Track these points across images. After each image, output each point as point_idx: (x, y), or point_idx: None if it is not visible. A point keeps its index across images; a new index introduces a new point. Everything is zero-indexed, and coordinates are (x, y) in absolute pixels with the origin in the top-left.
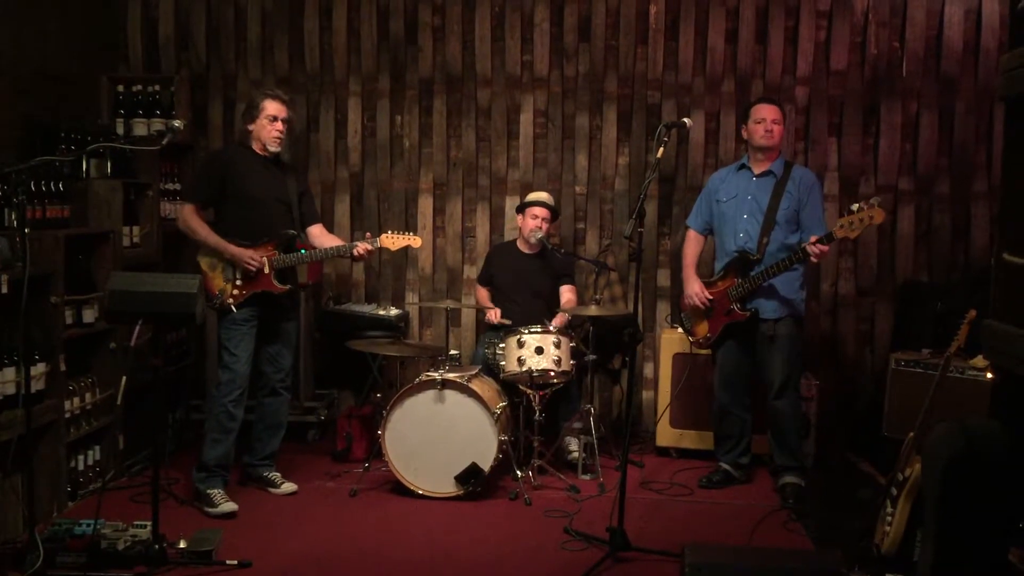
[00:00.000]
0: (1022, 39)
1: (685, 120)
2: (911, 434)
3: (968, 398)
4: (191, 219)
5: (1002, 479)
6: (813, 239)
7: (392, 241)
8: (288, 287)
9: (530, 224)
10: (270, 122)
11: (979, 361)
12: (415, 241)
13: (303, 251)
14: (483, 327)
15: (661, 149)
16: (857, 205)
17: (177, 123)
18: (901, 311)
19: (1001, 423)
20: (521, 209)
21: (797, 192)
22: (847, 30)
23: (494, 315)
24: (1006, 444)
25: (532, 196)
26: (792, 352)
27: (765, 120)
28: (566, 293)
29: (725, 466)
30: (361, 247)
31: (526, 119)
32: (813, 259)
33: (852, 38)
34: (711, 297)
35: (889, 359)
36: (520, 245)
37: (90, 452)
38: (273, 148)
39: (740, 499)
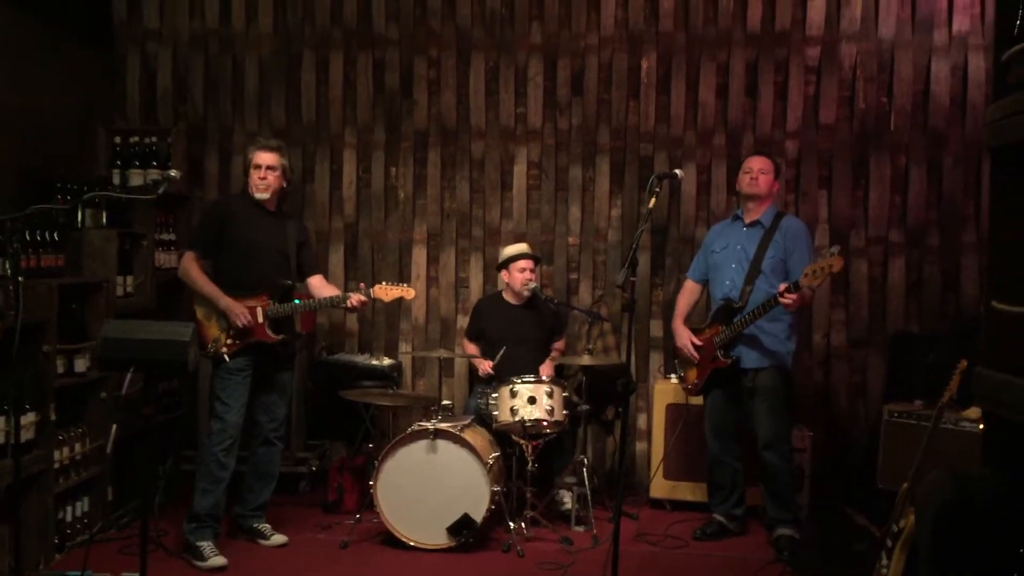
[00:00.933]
0: (1006, 91)
1: (676, 171)
2: (905, 485)
3: (962, 450)
4: (191, 267)
5: (994, 526)
6: (782, 287)
7: (385, 292)
8: (282, 337)
9: (519, 279)
10: (255, 170)
11: (972, 412)
12: (408, 293)
13: (297, 301)
14: (476, 378)
15: (653, 199)
16: (822, 252)
17: (173, 172)
18: (893, 362)
19: (992, 470)
20: (504, 265)
21: (784, 241)
22: (835, 85)
23: (487, 366)
24: (997, 490)
25: (512, 250)
26: (777, 403)
27: (752, 170)
28: (558, 347)
29: (719, 517)
30: (355, 298)
31: (520, 171)
32: (785, 307)
33: (840, 92)
34: (699, 344)
35: (882, 411)
36: (507, 297)
37: (79, 503)
38: (258, 195)
39: (735, 551)
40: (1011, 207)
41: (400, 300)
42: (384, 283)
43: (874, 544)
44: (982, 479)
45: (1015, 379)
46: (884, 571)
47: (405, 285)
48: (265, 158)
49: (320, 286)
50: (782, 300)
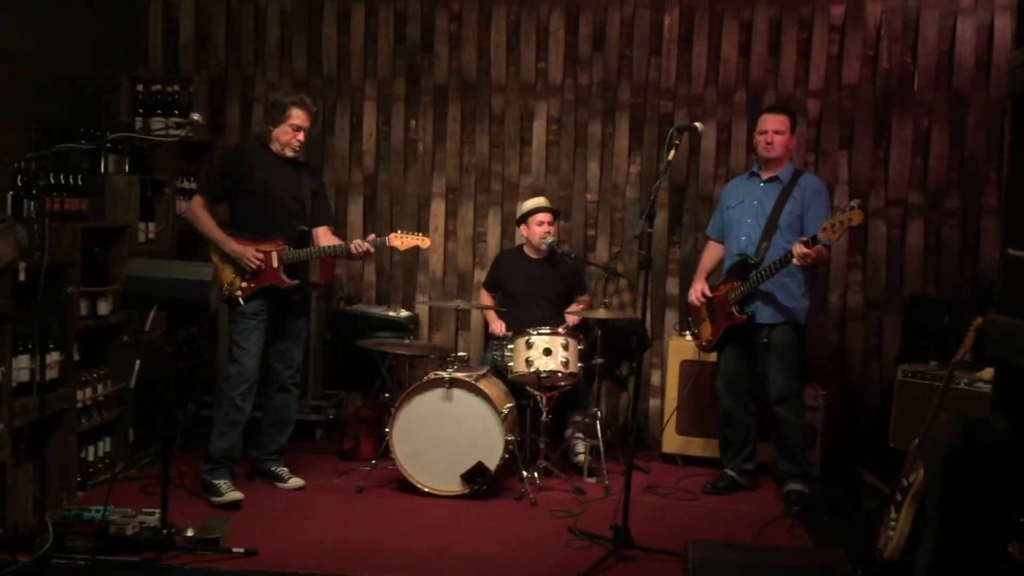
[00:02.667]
0: None
1: (697, 124)
2: (916, 441)
3: (975, 410)
4: (199, 211)
5: (1002, 471)
6: (803, 239)
7: (401, 240)
8: (296, 282)
9: (538, 232)
10: (293, 131)
11: (987, 373)
12: (423, 242)
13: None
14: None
15: (672, 152)
16: (842, 207)
17: (196, 116)
18: (909, 324)
19: (1002, 415)
20: (523, 220)
21: (802, 197)
22: (859, 44)
23: (499, 327)
24: (1006, 436)
25: (531, 204)
26: (790, 359)
27: (767, 132)
28: (583, 299)
29: (730, 472)
30: (355, 244)
31: (539, 126)
32: (795, 261)
33: (864, 52)
34: (712, 297)
35: (896, 371)
36: (528, 251)
37: (100, 443)
38: (290, 154)
39: (745, 505)
40: None
41: (417, 252)
42: (400, 232)
43: (884, 500)
44: (992, 423)
45: None
46: (893, 524)
47: (421, 234)
48: (305, 120)
49: (324, 235)
50: (795, 251)
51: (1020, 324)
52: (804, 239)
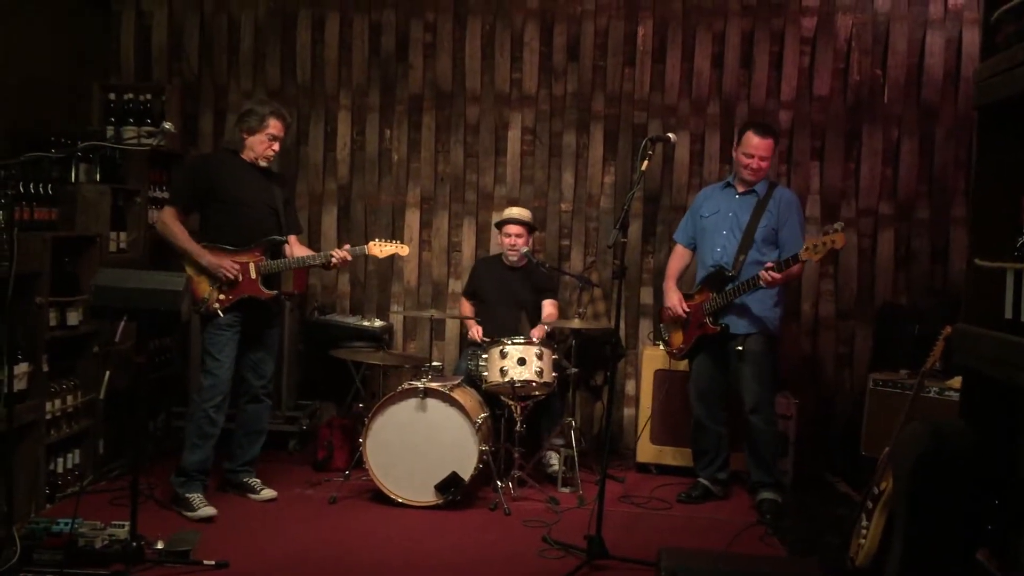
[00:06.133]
0: (994, 50)
1: (670, 135)
2: (887, 449)
3: (945, 418)
4: (172, 223)
5: (970, 478)
6: (768, 265)
7: (380, 248)
8: (275, 292)
9: (506, 243)
10: (269, 140)
11: (956, 382)
12: (403, 249)
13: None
14: (467, 340)
15: (645, 162)
16: (826, 229)
17: (168, 125)
18: (880, 333)
19: (969, 423)
20: (499, 226)
21: (777, 211)
22: (830, 56)
23: (476, 332)
24: (974, 443)
25: (506, 213)
26: (763, 369)
27: (755, 157)
28: (547, 307)
29: (704, 481)
30: (337, 256)
31: (514, 136)
32: (763, 284)
33: (835, 64)
34: (688, 309)
35: (867, 379)
36: (504, 259)
37: (70, 455)
38: (264, 164)
39: (718, 514)
40: (995, 165)
41: (392, 262)
42: (379, 240)
43: (855, 508)
44: (958, 431)
45: (991, 332)
46: (864, 532)
47: (399, 242)
48: (282, 131)
49: (294, 244)
50: (763, 277)
51: (986, 333)
52: (770, 264)
